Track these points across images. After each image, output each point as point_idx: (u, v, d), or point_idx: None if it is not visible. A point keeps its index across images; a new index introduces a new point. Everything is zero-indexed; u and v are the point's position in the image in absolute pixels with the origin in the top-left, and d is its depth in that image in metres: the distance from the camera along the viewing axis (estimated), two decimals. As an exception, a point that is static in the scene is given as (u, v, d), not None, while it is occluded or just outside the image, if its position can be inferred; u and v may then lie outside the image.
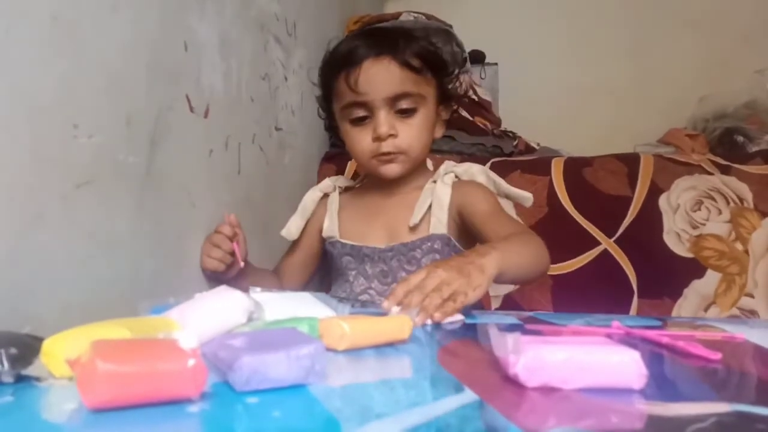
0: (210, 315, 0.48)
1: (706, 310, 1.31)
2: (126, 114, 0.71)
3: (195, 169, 0.88)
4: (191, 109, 0.86)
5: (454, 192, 0.93)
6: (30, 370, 0.39)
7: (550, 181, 1.40)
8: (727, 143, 1.74)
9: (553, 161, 1.44)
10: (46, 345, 0.39)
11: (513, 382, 0.38)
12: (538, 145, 1.83)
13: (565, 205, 1.38)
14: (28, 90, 0.56)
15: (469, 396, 0.36)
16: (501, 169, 1.39)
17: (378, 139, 0.89)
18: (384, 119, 0.88)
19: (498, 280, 0.71)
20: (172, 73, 0.81)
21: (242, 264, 0.87)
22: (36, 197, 0.57)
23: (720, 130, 1.78)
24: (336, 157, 1.52)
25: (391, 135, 0.88)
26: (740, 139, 1.72)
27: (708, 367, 0.45)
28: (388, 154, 0.90)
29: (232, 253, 0.87)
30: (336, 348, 0.47)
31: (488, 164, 1.43)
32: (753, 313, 1.30)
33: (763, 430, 0.31)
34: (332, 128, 1.02)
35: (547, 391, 0.37)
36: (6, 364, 0.38)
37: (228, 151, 0.98)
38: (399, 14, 1.74)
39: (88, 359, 0.32)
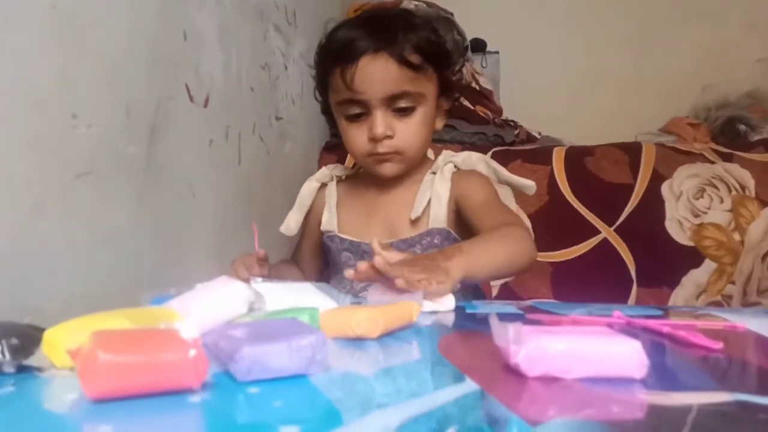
0: (211, 305, 0.48)
1: (697, 298, 1.33)
2: (125, 104, 0.70)
3: (195, 159, 0.88)
4: (191, 98, 0.85)
5: (454, 184, 0.90)
6: (31, 361, 0.39)
7: (551, 170, 1.40)
8: (729, 132, 1.73)
9: (555, 150, 1.44)
10: (48, 335, 0.39)
11: (514, 372, 0.38)
12: (540, 134, 1.83)
13: (566, 194, 1.38)
14: (26, 79, 0.56)
15: (470, 386, 0.36)
16: (502, 159, 1.39)
17: (374, 139, 0.86)
18: (380, 120, 0.85)
19: (468, 281, 0.69)
20: (171, 62, 0.80)
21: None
22: (35, 188, 0.57)
23: (722, 119, 1.78)
24: (336, 146, 1.51)
25: (387, 136, 0.86)
26: (742, 128, 1.72)
27: (709, 356, 0.45)
28: (384, 154, 0.87)
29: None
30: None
31: (489, 153, 1.42)
32: (730, 298, 1.32)
33: (765, 419, 0.31)
34: (328, 113, 0.99)
35: (548, 380, 0.37)
36: (7, 355, 0.38)
37: (228, 141, 0.98)
38: (400, 2, 1.73)
39: (89, 350, 0.32)
